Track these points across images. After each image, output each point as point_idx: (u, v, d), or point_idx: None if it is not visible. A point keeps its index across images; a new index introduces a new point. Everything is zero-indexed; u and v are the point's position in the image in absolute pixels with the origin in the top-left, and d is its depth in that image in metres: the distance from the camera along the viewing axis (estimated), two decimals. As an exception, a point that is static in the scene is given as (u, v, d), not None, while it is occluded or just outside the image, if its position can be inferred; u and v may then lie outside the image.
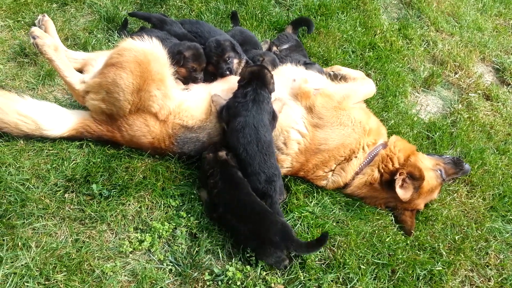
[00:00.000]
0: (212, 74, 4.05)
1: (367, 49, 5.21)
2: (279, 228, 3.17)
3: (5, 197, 3.24)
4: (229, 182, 3.42)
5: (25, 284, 2.89)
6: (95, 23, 4.65)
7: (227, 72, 3.95)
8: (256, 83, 3.58)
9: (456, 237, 3.74)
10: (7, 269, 2.91)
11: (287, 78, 3.97)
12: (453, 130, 4.67)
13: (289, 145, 3.72)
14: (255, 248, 3.23)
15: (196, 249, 3.27)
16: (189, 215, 3.42)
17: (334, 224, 3.62)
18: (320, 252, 3.41)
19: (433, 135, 4.54)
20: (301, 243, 3.18)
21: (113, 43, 4.44)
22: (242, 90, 3.59)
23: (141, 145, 3.64)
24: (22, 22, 4.43)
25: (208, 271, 3.17)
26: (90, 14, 4.78)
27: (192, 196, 3.54)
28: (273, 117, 3.63)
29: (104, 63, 3.50)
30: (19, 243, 3.04)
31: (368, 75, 4.91)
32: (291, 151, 3.72)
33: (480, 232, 3.83)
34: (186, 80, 3.94)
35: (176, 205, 3.47)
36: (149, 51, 3.48)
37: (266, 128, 3.51)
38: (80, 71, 3.86)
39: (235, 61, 4.03)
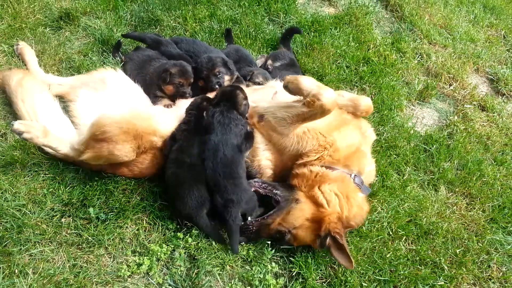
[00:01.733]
0: (204, 89, 4.07)
1: (361, 64, 5.24)
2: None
3: (1, 223, 3.22)
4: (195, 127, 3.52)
5: (22, 312, 2.85)
6: (89, 45, 4.68)
7: (217, 87, 3.99)
8: (224, 104, 3.57)
9: (457, 251, 3.70)
10: (4, 297, 2.87)
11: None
12: (450, 142, 4.67)
13: None
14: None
15: (195, 271, 3.23)
16: (187, 236, 3.38)
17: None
18: (321, 270, 3.38)
19: (430, 148, 4.53)
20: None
21: (108, 65, 4.45)
22: (212, 109, 3.58)
23: (151, 173, 3.65)
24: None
25: (208, 293, 3.14)
26: (84, 37, 4.81)
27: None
28: (246, 137, 3.54)
29: (91, 136, 3.36)
30: (16, 270, 3.01)
31: (363, 89, 4.94)
32: None
33: (481, 245, 3.80)
34: (174, 97, 3.97)
35: (173, 227, 3.44)
36: (128, 115, 3.44)
37: (229, 147, 3.41)
38: (64, 97, 4.00)
39: (226, 77, 4.08)
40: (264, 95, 3.88)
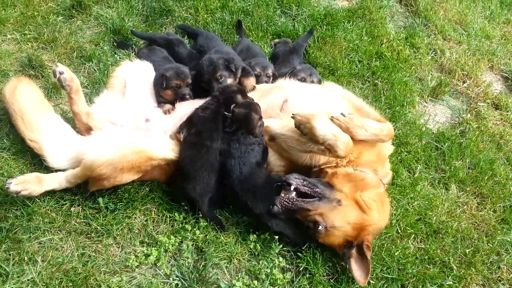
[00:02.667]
0: (206, 90, 3.92)
1: (374, 59, 5.19)
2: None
3: (11, 211, 3.23)
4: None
5: (31, 299, 2.87)
6: (101, 35, 4.67)
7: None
8: (240, 132, 3.48)
9: (467, 251, 3.67)
10: (13, 284, 2.89)
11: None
12: (462, 140, 4.61)
13: None
14: None
15: (203, 263, 3.23)
16: (195, 229, 3.39)
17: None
18: (328, 266, 3.37)
19: (442, 146, 4.48)
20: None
21: (119, 55, 4.45)
22: (228, 137, 3.52)
23: (161, 179, 3.67)
24: (29, 36, 4.44)
25: (215, 285, 3.13)
26: (96, 26, 4.80)
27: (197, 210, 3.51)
28: (263, 154, 3.53)
29: (87, 176, 3.32)
30: (25, 258, 3.02)
31: (375, 84, 4.88)
32: None
33: (491, 245, 3.76)
34: (175, 101, 3.83)
35: (181, 219, 3.43)
36: (120, 154, 3.28)
37: (247, 166, 3.42)
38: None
39: (229, 80, 3.90)
40: (274, 103, 3.78)
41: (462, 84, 5.32)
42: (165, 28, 4.97)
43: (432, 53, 5.60)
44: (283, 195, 3.25)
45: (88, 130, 3.61)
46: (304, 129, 3.22)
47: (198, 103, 3.69)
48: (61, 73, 3.49)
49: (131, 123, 3.66)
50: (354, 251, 3.19)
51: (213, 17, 5.10)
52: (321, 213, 3.21)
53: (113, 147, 3.31)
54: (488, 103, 5.17)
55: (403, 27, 5.94)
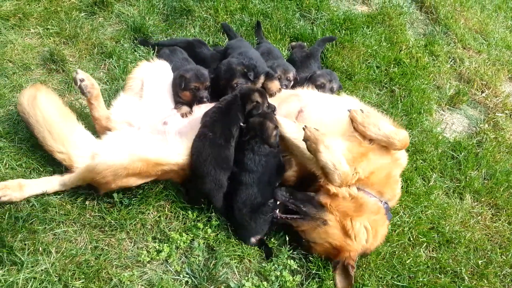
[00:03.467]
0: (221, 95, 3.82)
1: (392, 65, 5.16)
2: None
3: (28, 201, 3.29)
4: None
5: (44, 289, 2.93)
6: (122, 32, 4.73)
7: None
8: (255, 140, 3.45)
9: (479, 262, 3.63)
10: (28, 273, 2.94)
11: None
12: (478, 150, 4.57)
13: None
14: None
15: (213, 262, 3.25)
16: (206, 227, 3.41)
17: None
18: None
19: (458, 155, 4.44)
20: None
21: (139, 53, 4.50)
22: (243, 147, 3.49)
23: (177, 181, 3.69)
24: (51, 30, 4.52)
25: (224, 285, 3.15)
26: (117, 24, 4.87)
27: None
28: (278, 171, 3.52)
29: (91, 179, 3.33)
30: (40, 248, 3.08)
31: (392, 91, 4.86)
32: None
33: (505, 258, 3.72)
34: (192, 103, 3.81)
35: (194, 217, 3.46)
36: (127, 161, 3.29)
37: (261, 186, 3.40)
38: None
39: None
40: (290, 111, 3.78)
41: (481, 94, 5.27)
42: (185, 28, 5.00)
43: (451, 61, 5.56)
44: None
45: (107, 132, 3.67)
46: (309, 147, 3.25)
47: None
48: (81, 81, 3.53)
49: (148, 125, 3.69)
50: (339, 265, 3.20)
51: (233, 18, 5.13)
52: (303, 230, 3.35)
53: (121, 153, 3.32)
54: (506, 113, 5.11)
55: (423, 34, 5.90)
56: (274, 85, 3.99)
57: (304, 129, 3.26)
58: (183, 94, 3.79)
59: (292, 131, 3.58)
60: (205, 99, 3.80)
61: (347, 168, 3.19)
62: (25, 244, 3.07)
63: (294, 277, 3.27)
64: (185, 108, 3.76)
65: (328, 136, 3.22)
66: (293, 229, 3.41)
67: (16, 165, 3.45)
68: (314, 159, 3.27)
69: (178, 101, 3.84)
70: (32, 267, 2.97)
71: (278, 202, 3.38)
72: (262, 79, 3.97)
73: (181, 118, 3.72)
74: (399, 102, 4.75)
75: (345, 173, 3.18)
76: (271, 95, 3.92)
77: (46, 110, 3.45)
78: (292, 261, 3.34)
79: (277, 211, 3.36)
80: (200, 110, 3.74)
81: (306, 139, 3.25)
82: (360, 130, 3.35)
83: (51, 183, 3.39)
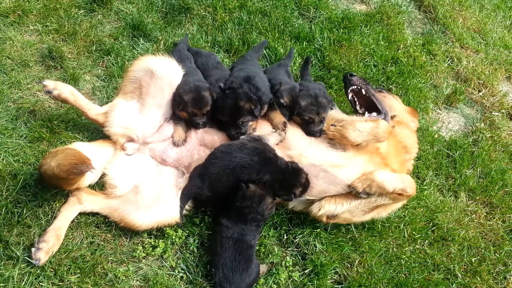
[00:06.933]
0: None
1: (389, 64, 5.17)
2: None
3: (23, 194, 3.31)
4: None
5: (40, 284, 2.96)
6: (120, 30, 4.74)
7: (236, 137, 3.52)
8: (249, 210, 3.24)
9: (473, 259, 3.66)
10: (23, 269, 2.98)
11: None
12: (474, 149, 4.59)
13: None
14: None
15: (208, 258, 3.28)
16: (201, 225, 3.44)
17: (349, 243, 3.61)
18: (335, 270, 3.40)
19: (453, 154, 4.46)
20: None
21: (137, 50, 4.52)
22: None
23: None
24: (50, 27, 4.55)
25: (219, 280, 3.18)
26: (116, 21, 4.88)
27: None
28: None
29: None
30: (36, 243, 3.11)
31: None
32: None
33: (498, 255, 3.74)
34: (189, 123, 3.63)
35: (189, 214, 3.49)
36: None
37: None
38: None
39: (250, 123, 3.57)
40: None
41: (478, 93, 5.28)
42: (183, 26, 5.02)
43: (448, 60, 5.57)
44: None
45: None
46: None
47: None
48: (49, 92, 3.50)
49: (151, 146, 3.63)
50: None
51: (231, 16, 5.15)
52: None
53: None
54: (503, 113, 5.12)
55: (421, 34, 5.91)
56: (278, 117, 3.66)
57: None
58: (180, 113, 3.57)
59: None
60: (200, 126, 3.58)
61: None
62: (20, 239, 3.10)
63: (289, 274, 3.30)
64: (180, 130, 3.61)
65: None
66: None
67: (14, 160, 3.47)
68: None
69: (176, 117, 3.66)
70: (27, 261, 3.00)
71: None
72: (265, 108, 3.68)
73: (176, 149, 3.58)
74: (395, 100, 4.77)
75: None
76: (274, 127, 3.64)
77: None
78: (288, 258, 3.37)
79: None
80: (197, 135, 3.64)
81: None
82: (345, 142, 3.42)
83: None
